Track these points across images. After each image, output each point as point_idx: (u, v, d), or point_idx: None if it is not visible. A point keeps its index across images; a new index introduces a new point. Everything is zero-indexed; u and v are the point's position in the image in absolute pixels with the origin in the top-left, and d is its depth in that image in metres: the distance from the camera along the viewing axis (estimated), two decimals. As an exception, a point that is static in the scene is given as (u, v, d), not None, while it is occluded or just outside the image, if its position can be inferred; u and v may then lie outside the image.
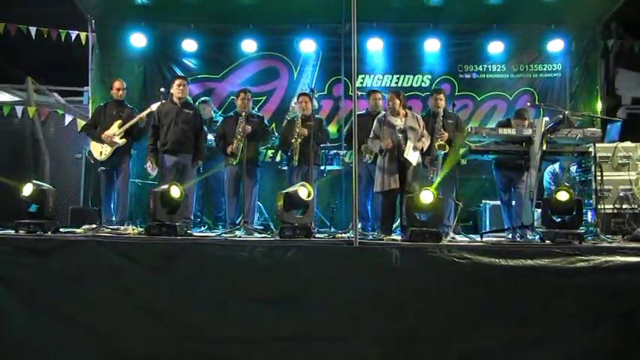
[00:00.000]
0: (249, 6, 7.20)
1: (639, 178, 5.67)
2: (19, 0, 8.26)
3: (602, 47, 7.93)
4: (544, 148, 5.02)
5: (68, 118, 7.76)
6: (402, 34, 7.84)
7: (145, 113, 6.15)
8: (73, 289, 4.20)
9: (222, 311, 4.12)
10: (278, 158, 7.08)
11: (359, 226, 4.62)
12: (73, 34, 7.73)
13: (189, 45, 7.81)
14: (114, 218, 6.09)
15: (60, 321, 4.16)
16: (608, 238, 5.05)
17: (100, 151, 6.15)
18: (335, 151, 6.85)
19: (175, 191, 4.99)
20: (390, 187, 5.38)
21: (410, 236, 4.54)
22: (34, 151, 7.81)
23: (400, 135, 5.43)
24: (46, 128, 7.94)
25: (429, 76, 7.95)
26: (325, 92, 7.92)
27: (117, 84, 6.38)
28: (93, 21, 7.68)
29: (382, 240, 4.96)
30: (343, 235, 5.37)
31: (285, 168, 6.57)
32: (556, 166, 6.73)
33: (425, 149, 5.62)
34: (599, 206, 5.37)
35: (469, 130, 5.48)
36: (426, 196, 4.64)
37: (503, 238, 5.48)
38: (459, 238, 5.38)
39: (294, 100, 7.66)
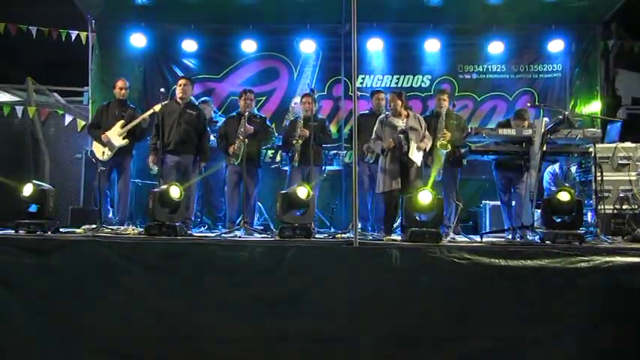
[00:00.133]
0: (249, 6, 7.20)
1: (639, 179, 5.67)
2: (19, 0, 8.25)
3: (602, 48, 7.92)
4: (544, 148, 5.02)
5: (68, 119, 7.77)
6: (402, 34, 7.83)
7: (147, 114, 6.15)
8: (73, 289, 4.20)
9: (222, 311, 4.12)
10: (278, 158, 7.08)
11: (359, 226, 4.62)
12: (73, 34, 7.73)
13: (190, 45, 7.81)
14: (110, 215, 6.09)
15: (60, 321, 4.16)
16: (608, 238, 5.05)
17: (102, 151, 6.15)
18: (335, 151, 6.85)
19: (175, 191, 4.99)
20: (391, 188, 5.39)
21: (410, 236, 4.55)
22: (34, 151, 7.81)
23: (401, 135, 5.43)
24: (46, 128, 7.95)
25: (429, 77, 7.95)
26: (325, 92, 7.91)
27: (120, 83, 6.38)
28: (93, 21, 7.67)
29: (382, 240, 4.96)
30: (343, 235, 5.37)
31: (286, 168, 6.58)
32: (556, 166, 6.73)
33: (427, 149, 5.62)
34: (599, 207, 5.37)
35: (469, 130, 5.48)
36: (425, 197, 4.64)
37: (503, 239, 5.47)
38: (459, 238, 5.38)
39: (294, 100, 7.68)
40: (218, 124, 6.77)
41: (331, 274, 4.14)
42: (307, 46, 7.82)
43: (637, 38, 8.32)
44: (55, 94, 8.90)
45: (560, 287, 4.01)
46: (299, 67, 8.00)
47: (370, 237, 5.51)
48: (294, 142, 6.10)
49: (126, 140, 6.16)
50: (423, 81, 7.97)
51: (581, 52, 7.82)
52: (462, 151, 5.83)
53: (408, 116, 5.61)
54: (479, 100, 7.91)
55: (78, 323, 4.16)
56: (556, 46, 7.73)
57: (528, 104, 7.09)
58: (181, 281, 4.18)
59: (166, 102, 5.99)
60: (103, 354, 4.14)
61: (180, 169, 6.03)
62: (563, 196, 4.61)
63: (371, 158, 6.08)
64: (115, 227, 5.62)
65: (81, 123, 7.70)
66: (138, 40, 7.74)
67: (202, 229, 6.70)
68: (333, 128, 7.53)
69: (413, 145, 5.38)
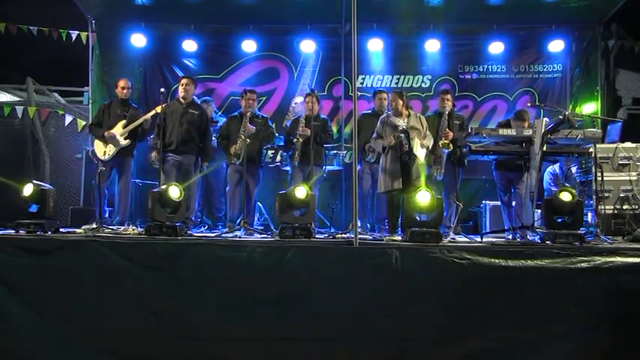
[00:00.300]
0: (249, 6, 7.20)
1: (640, 179, 5.68)
2: (20, 0, 8.26)
3: (602, 48, 7.93)
4: (544, 148, 5.01)
5: (68, 119, 7.78)
6: (402, 34, 7.83)
7: (149, 115, 6.16)
8: (73, 289, 4.19)
9: (222, 311, 4.11)
10: (278, 158, 7.09)
11: (358, 224, 4.61)
12: (74, 34, 7.75)
13: (190, 45, 7.81)
14: (107, 215, 6.09)
15: (60, 321, 4.16)
16: (609, 238, 5.04)
17: (104, 150, 6.15)
18: (335, 151, 6.85)
19: (174, 192, 4.98)
20: (393, 188, 5.39)
21: (410, 236, 4.54)
22: (34, 151, 7.82)
23: (402, 135, 5.43)
24: (46, 128, 7.96)
25: (429, 77, 7.96)
26: (325, 92, 7.92)
27: (122, 83, 6.39)
28: (93, 21, 7.68)
29: (382, 240, 4.96)
30: (343, 235, 5.37)
31: (287, 168, 6.58)
32: (556, 166, 6.73)
33: (429, 148, 5.64)
34: (599, 207, 5.36)
35: (469, 130, 5.48)
36: (423, 196, 4.65)
37: (503, 239, 5.47)
38: (459, 238, 5.37)
39: (295, 100, 7.69)
40: (218, 124, 6.77)
41: (331, 274, 4.13)
42: (307, 46, 7.82)
43: (637, 38, 8.32)
44: (56, 94, 8.91)
45: (560, 287, 4.00)
46: (299, 67, 8.00)
47: (370, 237, 5.51)
48: (295, 140, 6.10)
49: (128, 140, 6.16)
50: (423, 81, 7.97)
51: (582, 52, 7.82)
52: (464, 151, 5.82)
53: (409, 116, 5.62)
54: (479, 100, 7.91)
55: (78, 323, 4.15)
56: (556, 46, 7.73)
57: (529, 104, 7.10)
58: (181, 281, 4.18)
59: (167, 103, 5.98)
60: (103, 354, 4.13)
61: (181, 170, 6.03)
62: (565, 197, 4.61)
63: (372, 158, 6.08)
64: (115, 227, 5.62)
65: (81, 123, 7.71)
66: (138, 40, 7.75)
67: (203, 229, 6.70)
68: (333, 128, 7.54)
69: (417, 142, 5.40)
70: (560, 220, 4.67)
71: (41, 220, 4.93)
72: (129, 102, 6.44)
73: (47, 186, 5.33)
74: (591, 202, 5.58)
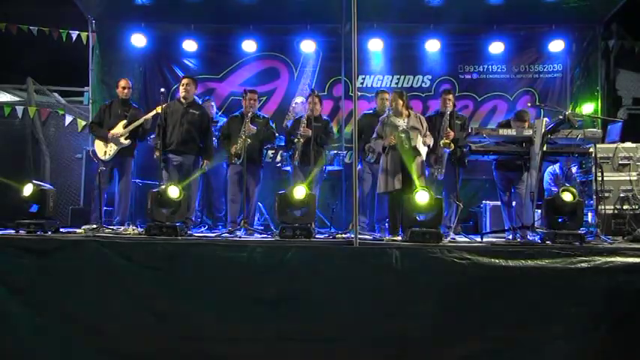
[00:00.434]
0: (249, 6, 7.20)
1: (640, 179, 5.68)
2: (20, 0, 8.26)
3: (602, 48, 7.93)
4: (544, 148, 5.01)
5: (68, 119, 7.78)
6: (403, 34, 7.83)
7: (150, 115, 6.16)
8: (73, 289, 4.20)
9: (222, 311, 4.11)
10: (278, 158, 7.09)
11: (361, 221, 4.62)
12: (74, 34, 7.75)
13: (190, 45, 7.81)
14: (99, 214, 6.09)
15: (60, 321, 4.16)
16: (609, 238, 5.04)
17: (104, 150, 6.15)
18: (335, 152, 6.85)
19: (173, 192, 4.99)
20: (394, 188, 5.39)
21: (410, 236, 4.54)
22: (34, 152, 7.82)
23: (403, 135, 5.43)
24: (47, 128, 7.96)
25: (430, 77, 7.96)
26: (325, 92, 7.91)
27: (122, 82, 6.39)
28: (93, 21, 7.68)
29: (382, 240, 4.96)
30: (343, 235, 5.37)
31: (288, 168, 6.57)
32: (556, 166, 6.73)
33: (430, 147, 5.65)
34: (599, 207, 5.36)
35: (469, 130, 5.48)
36: (421, 196, 4.65)
37: (503, 239, 5.47)
38: (459, 238, 5.37)
39: (295, 100, 7.68)
40: (219, 124, 6.77)
41: (331, 274, 4.13)
42: (307, 46, 7.82)
43: (638, 38, 8.32)
44: (56, 94, 8.92)
45: (560, 287, 4.00)
46: (299, 67, 8.00)
47: (370, 237, 5.51)
48: (296, 140, 6.10)
49: (128, 140, 6.17)
50: (423, 81, 7.97)
51: (582, 52, 7.82)
52: (464, 151, 5.83)
53: (409, 116, 5.62)
54: (479, 100, 7.91)
55: (78, 323, 4.15)
56: (556, 46, 7.73)
57: (529, 104, 7.11)
58: (181, 281, 4.18)
59: (167, 103, 5.99)
60: (103, 354, 4.14)
61: (182, 170, 6.03)
62: (567, 197, 4.61)
63: (372, 158, 6.08)
64: (115, 227, 5.62)
65: (81, 123, 7.72)
66: (138, 40, 7.75)
67: (203, 229, 6.70)
68: (334, 129, 7.55)
69: (419, 139, 5.41)
70: (561, 220, 4.67)
71: (41, 220, 4.94)
72: (129, 102, 6.44)
73: (47, 186, 5.34)
74: (591, 202, 5.57)
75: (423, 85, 7.96)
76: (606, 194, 5.50)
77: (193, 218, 6.29)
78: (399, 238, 5.02)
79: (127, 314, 4.13)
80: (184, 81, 6.22)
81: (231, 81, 7.99)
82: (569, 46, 7.79)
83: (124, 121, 6.18)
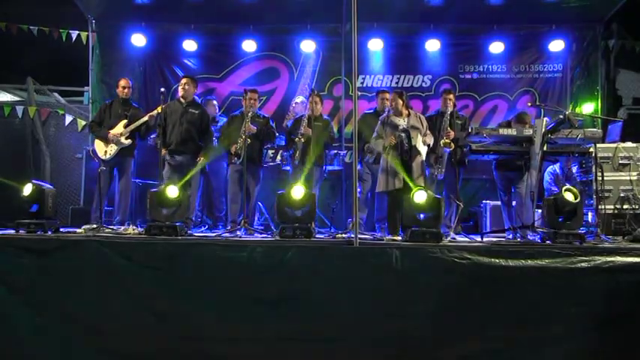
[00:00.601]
0: (249, 6, 7.20)
1: (640, 179, 5.67)
2: (20, 0, 8.26)
3: (603, 47, 7.92)
4: (544, 148, 5.01)
5: (68, 118, 7.79)
6: (403, 34, 7.84)
7: (150, 115, 6.15)
8: (73, 289, 4.20)
9: (222, 311, 4.12)
10: (279, 158, 7.09)
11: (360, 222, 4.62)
12: (74, 34, 7.75)
13: (190, 45, 7.81)
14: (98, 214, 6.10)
15: (60, 321, 4.17)
16: (609, 238, 5.04)
17: (104, 150, 6.15)
18: (335, 151, 6.84)
19: (172, 191, 4.99)
20: (394, 187, 5.38)
21: (410, 236, 4.54)
22: (34, 151, 7.82)
23: (403, 134, 5.43)
24: (47, 128, 7.96)
25: (430, 77, 7.95)
26: (325, 92, 7.91)
27: (122, 82, 6.38)
28: (93, 21, 7.69)
29: (382, 240, 4.96)
30: (343, 235, 5.37)
31: (287, 168, 6.56)
32: (556, 166, 6.73)
33: (430, 146, 5.65)
34: (599, 207, 5.36)
35: (470, 130, 5.48)
36: (420, 196, 4.65)
37: (503, 239, 5.47)
38: (459, 238, 5.37)
39: (295, 100, 7.67)
40: (219, 124, 6.77)
41: (331, 274, 4.13)
42: (308, 46, 7.82)
43: (638, 38, 8.30)
44: (56, 94, 8.92)
45: (560, 287, 4.00)
46: (299, 67, 8.00)
47: (370, 237, 5.50)
48: (297, 139, 6.09)
49: (129, 140, 6.17)
50: (423, 81, 7.97)
51: (582, 52, 7.82)
52: (464, 150, 5.82)
53: (409, 115, 5.62)
54: (479, 100, 7.91)
55: (78, 323, 4.15)
56: (557, 45, 7.73)
57: (529, 104, 7.11)
58: (181, 281, 4.18)
59: (167, 103, 5.98)
60: (103, 354, 4.14)
61: (182, 169, 6.02)
62: (569, 196, 4.61)
63: (370, 158, 6.08)
64: (115, 227, 5.62)
65: (81, 123, 7.72)
66: (138, 40, 7.75)
67: (203, 228, 6.70)
68: (334, 129, 7.55)
69: (419, 138, 5.41)
70: (561, 219, 4.67)
71: (41, 219, 4.94)
72: (130, 102, 6.44)
73: (46, 185, 5.33)
74: (591, 201, 5.57)
75: (424, 84, 7.96)
76: (606, 194, 5.50)
77: (194, 218, 6.28)
78: (399, 237, 5.02)
79: (127, 314, 4.14)
80: (183, 81, 6.22)
81: (231, 81, 7.99)
82: (569, 45, 7.79)
83: (125, 121, 6.18)
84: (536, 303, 4.00)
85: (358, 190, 6.02)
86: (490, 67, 7.95)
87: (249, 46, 7.80)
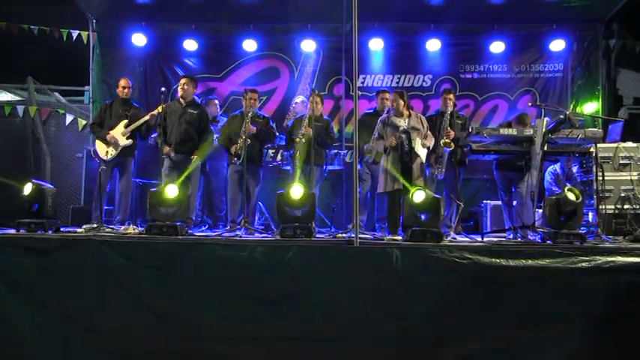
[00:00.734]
0: (249, 5, 7.20)
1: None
2: (20, 0, 8.27)
3: (603, 47, 7.91)
4: (545, 148, 5.01)
5: (69, 118, 7.79)
6: (403, 33, 7.83)
7: (151, 115, 6.15)
8: (73, 289, 4.20)
9: (222, 311, 4.12)
10: (279, 158, 7.09)
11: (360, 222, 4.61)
12: (74, 33, 7.75)
13: (190, 45, 7.81)
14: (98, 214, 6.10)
15: (60, 320, 4.17)
16: (610, 238, 5.03)
17: (105, 150, 6.15)
18: (335, 151, 6.84)
19: (172, 191, 4.98)
20: (393, 188, 5.38)
21: (411, 236, 4.54)
22: (34, 151, 7.83)
23: (403, 135, 5.43)
24: (47, 128, 7.97)
25: (430, 76, 7.95)
26: (326, 92, 7.90)
27: (122, 82, 6.38)
28: (94, 20, 7.69)
29: (383, 240, 4.95)
30: (344, 234, 5.37)
31: (288, 168, 6.56)
32: (557, 166, 6.73)
33: (430, 148, 5.64)
34: (600, 207, 5.35)
35: (470, 130, 5.48)
36: (418, 196, 4.65)
37: (504, 239, 5.46)
38: (459, 238, 5.37)
39: (295, 100, 7.67)
40: (220, 124, 6.77)
41: (331, 274, 4.13)
42: (308, 46, 7.81)
43: (639, 38, 8.30)
44: (56, 94, 8.92)
45: (561, 287, 4.00)
46: (300, 67, 7.99)
47: (371, 236, 5.50)
48: (297, 139, 6.09)
49: (130, 140, 6.17)
50: (424, 80, 7.96)
51: (583, 52, 7.81)
52: (465, 150, 5.82)
53: (409, 116, 5.62)
54: (480, 99, 7.90)
55: (78, 323, 4.15)
56: (557, 45, 7.72)
57: (529, 104, 7.11)
58: (181, 281, 4.18)
59: (167, 103, 5.99)
60: (103, 354, 4.14)
61: (181, 169, 6.02)
62: (571, 196, 4.60)
63: (369, 158, 6.07)
64: (115, 227, 5.62)
65: (82, 122, 7.72)
66: (138, 39, 7.75)
67: (203, 228, 6.70)
68: (335, 129, 7.55)
69: (418, 141, 5.41)
70: (562, 219, 4.67)
71: (42, 219, 4.94)
72: (130, 101, 6.44)
73: (47, 185, 5.33)
74: (592, 201, 5.57)
75: (424, 84, 7.95)
76: (607, 194, 5.50)
77: (194, 217, 6.28)
78: (400, 237, 5.02)
79: (127, 314, 4.14)
80: (182, 81, 6.23)
81: (231, 80, 7.99)
82: (570, 45, 7.78)
83: (125, 121, 6.18)
84: (536, 303, 4.00)
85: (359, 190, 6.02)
86: (491, 66, 7.94)
87: (249, 45, 7.79)
